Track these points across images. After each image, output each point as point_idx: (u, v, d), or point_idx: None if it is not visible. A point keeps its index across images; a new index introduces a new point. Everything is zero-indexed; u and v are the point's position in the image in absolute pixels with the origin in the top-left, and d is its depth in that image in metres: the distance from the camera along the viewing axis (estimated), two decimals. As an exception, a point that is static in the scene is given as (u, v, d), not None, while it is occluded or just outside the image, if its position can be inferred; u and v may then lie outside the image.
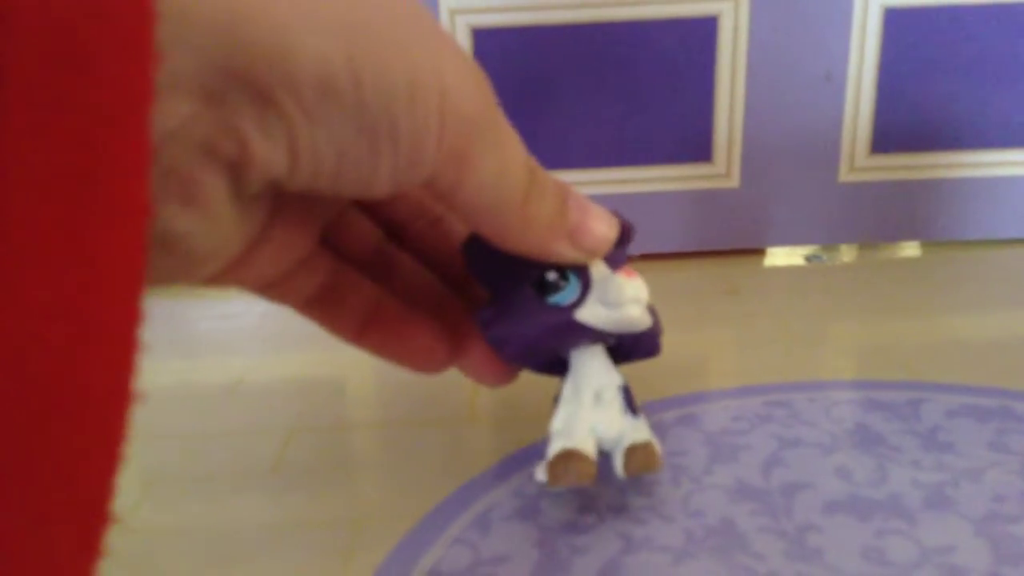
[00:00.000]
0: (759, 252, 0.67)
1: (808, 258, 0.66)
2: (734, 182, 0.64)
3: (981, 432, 0.38)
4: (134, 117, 0.11)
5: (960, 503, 0.33)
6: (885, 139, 0.64)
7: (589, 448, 0.32)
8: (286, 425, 0.43)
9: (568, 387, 0.33)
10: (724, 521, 0.33)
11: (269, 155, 0.19)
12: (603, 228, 0.29)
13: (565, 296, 0.30)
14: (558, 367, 0.34)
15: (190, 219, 0.19)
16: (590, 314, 0.30)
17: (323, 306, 0.31)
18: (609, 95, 0.62)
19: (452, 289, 0.34)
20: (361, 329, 0.31)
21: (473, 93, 0.22)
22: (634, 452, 0.32)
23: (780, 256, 0.67)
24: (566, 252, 0.29)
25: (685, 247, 0.66)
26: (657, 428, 0.40)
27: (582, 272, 0.30)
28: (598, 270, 0.31)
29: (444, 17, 0.60)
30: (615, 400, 0.33)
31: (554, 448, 0.32)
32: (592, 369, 0.33)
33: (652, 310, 0.33)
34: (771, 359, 0.48)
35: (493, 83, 0.24)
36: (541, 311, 0.30)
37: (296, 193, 0.21)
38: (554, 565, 0.31)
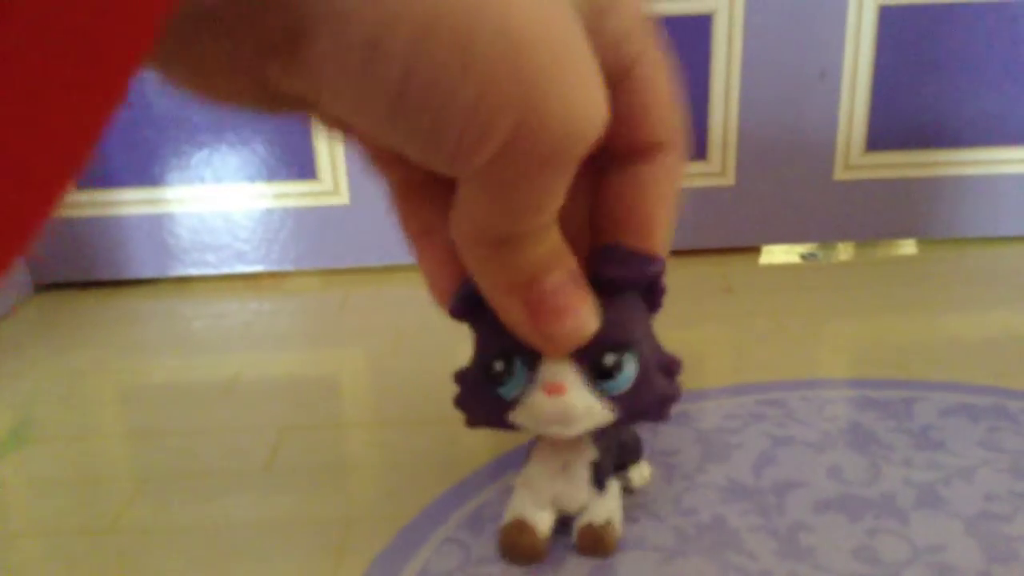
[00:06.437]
0: (754, 250, 0.67)
1: (804, 256, 0.66)
2: (729, 180, 0.64)
3: (973, 431, 0.38)
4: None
5: (952, 502, 0.33)
6: (880, 137, 0.64)
7: (545, 522, 0.31)
8: (279, 424, 0.43)
9: (539, 450, 0.32)
10: (716, 520, 0.33)
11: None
12: (572, 322, 0.25)
13: (508, 390, 0.27)
14: None
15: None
16: (525, 417, 0.27)
17: (407, 194, 0.26)
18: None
19: None
20: (420, 234, 0.27)
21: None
22: (588, 531, 0.31)
23: (776, 254, 0.67)
24: (517, 318, 0.24)
25: (680, 245, 0.66)
26: (650, 425, 0.39)
27: (533, 363, 0.27)
28: (548, 367, 0.27)
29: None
30: (583, 474, 0.31)
31: (512, 511, 0.32)
32: (563, 440, 0.30)
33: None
34: (765, 357, 0.48)
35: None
36: (486, 397, 0.28)
37: None
38: (545, 565, 0.31)
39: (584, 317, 0.25)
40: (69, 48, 0.10)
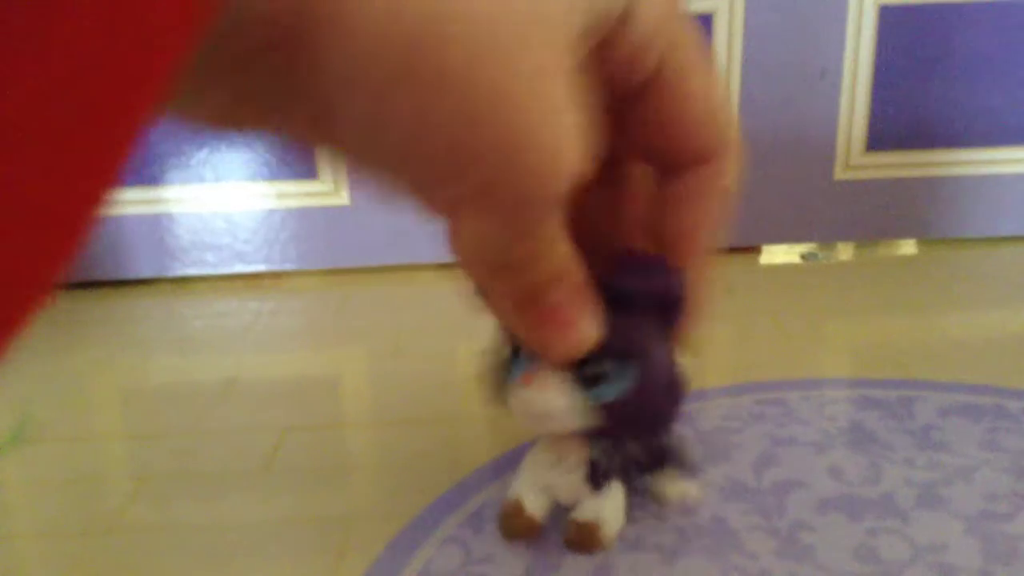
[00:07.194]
0: (755, 250, 0.67)
1: (804, 256, 0.66)
2: (729, 180, 0.64)
3: (974, 430, 0.38)
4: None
5: (952, 502, 0.33)
6: (881, 137, 0.64)
7: (539, 506, 0.32)
8: (279, 424, 0.43)
9: (542, 438, 0.33)
10: (716, 520, 0.33)
11: None
12: (572, 335, 0.24)
13: (511, 375, 0.28)
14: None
15: None
16: (512, 404, 0.28)
17: None
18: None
19: None
20: None
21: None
22: (571, 527, 0.32)
23: (776, 254, 0.67)
24: (519, 331, 0.24)
25: (680, 245, 0.66)
26: (650, 427, 0.39)
27: (535, 355, 0.27)
28: (542, 362, 0.27)
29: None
30: (576, 470, 0.31)
31: (512, 490, 0.33)
32: (558, 434, 0.30)
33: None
34: (766, 357, 0.48)
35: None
36: (495, 376, 0.29)
37: None
38: (545, 565, 0.31)
39: (583, 330, 0.25)
40: (79, 108, 0.10)
